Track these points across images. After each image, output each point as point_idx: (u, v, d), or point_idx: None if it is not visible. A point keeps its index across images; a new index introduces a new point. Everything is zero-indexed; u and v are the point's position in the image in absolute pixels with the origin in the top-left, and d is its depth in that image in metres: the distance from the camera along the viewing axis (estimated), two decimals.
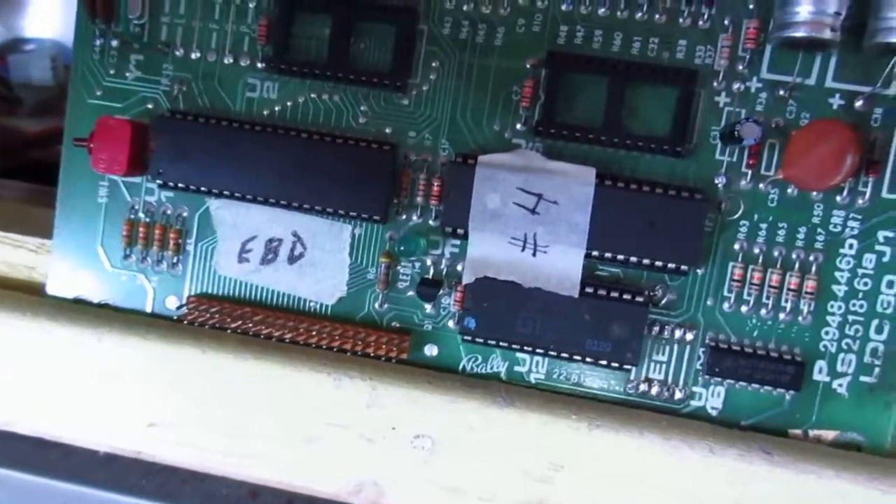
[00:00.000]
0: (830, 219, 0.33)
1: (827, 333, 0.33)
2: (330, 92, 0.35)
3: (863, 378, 0.33)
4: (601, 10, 0.33)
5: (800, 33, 0.30)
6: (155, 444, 0.35)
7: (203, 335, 0.35)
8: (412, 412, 0.33)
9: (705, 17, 0.32)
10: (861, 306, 0.33)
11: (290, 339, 0.35)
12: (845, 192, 0.32)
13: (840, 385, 0.33)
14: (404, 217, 0.35)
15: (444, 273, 0.35)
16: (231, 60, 0.35)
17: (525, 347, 0.33)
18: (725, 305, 0.33)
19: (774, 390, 0.33)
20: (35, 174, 0.53)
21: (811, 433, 0.33)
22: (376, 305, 0.35)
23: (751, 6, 0.32)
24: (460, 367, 0.35)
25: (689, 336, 0.34)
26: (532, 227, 0.33)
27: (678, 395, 0.34)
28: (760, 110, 0.33)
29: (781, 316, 0.33)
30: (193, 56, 0.36)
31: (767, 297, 0.33)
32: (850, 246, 0.33)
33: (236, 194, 0.35)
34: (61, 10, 0.68)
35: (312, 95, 0.35)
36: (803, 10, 0.30)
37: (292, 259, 0.36)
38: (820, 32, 0.30)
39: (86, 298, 0.37)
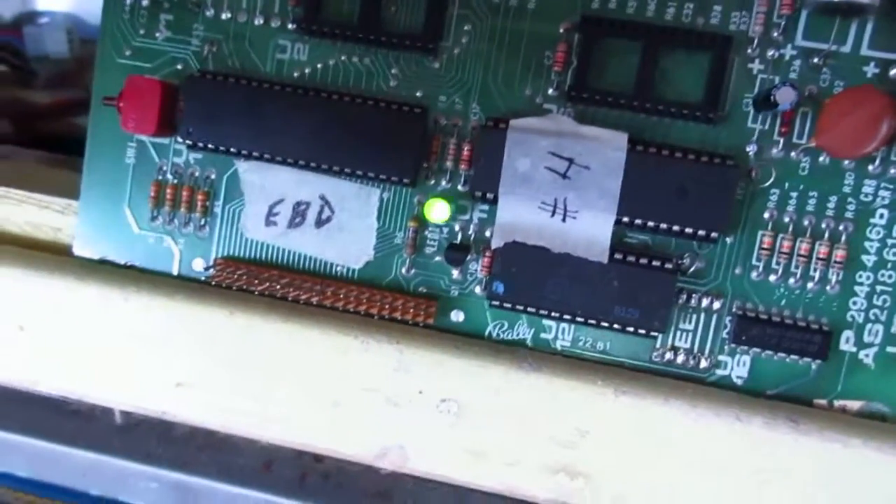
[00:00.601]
0: (861, 188, 0.32)
1: (855, 303, 0.33)
2: (361, 55, 0.35)
3: (889, 349, 0.33)
4: None
5: None
6: (181, 404, 0.36)
7: (230, 297, 0.35)
8: (439, 376, 0.34)
9: None
10: (890, 277, 0.33)
11: (317, 303, 0.35)
12: (877, 162, 0.32)
13: (867, 355, 0.33)
14: (433, 182, 0.35)
15: (471, 239, 0.35)
16: (262, 21, 0.35)
17: (553, 313, 0.33)
18: (754, 274, 0.33)
19: (801, 360, 0.33)
20: (50, 146, 0.53)
21: (836, 403, 0.33)
22: (403, 270, 0.35)
23: None
24: (486, 333, 0.35)
25: (717, 305, 0.34)
26: (562, 192, 0.33)
27: (704, 363, 0.34)
28: (794, 78, 0.32)
29: (810, 285, 0.33)
30: (224, 16, 0.36)
31: (796, 267, 0.33)
32: (881, 216, 0.32)
33: (265, 156, 0.35)
34: None
35: (343, 58, 0.35)
36: None
37: (320, 223, 0.36)
38: None
39: (112, 259, 0.37)
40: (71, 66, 0.67)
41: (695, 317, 0.34)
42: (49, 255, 0.37)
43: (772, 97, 0.30)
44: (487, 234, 0.34)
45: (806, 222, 0.33)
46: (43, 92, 0.68)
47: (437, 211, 0.34)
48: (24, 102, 0.67)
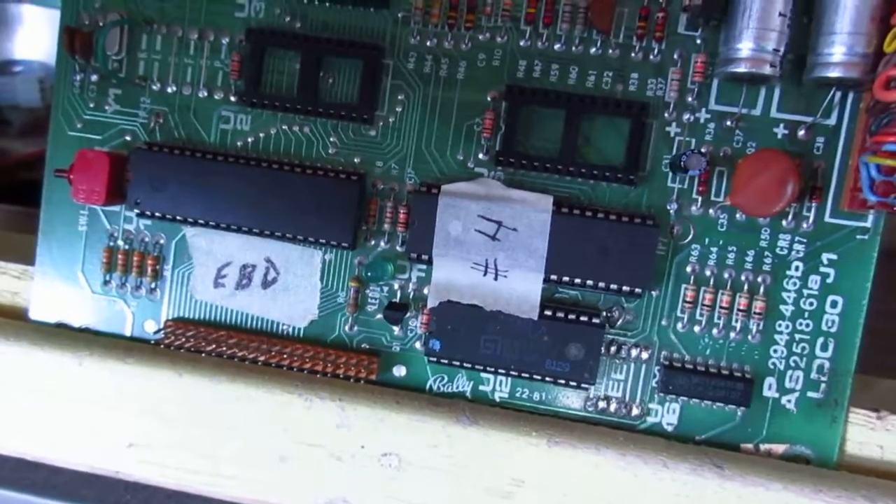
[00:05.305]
0: (777, 242, 0.34)
1: (775, 351, 0.35)
2: (300, 124, 0.36)
3: (810, 394, 0.34)
4: (557, 46, 0.35)
5: (741, 69, 0.32)
6: (133, 464, 0.37)
7: (180, 359, 0.36)
8: (380, 431, 0.35)
9: (656, 51, 0.34)
10: (807, 325, 0.34)
11: (263, 362, 0.37)
12: (790, 217, 0.34)
13: (789, 401, 0.35)
14: (372, 243, 0.36)
15: (410, 296, 0.36)
16: (205, 94, 0.37)
17: (488, 368, 0.35)
18: (679, 325, 0.35)
19: (726, 406, 0.34)
20: (24, 195, 0.54)
21: (762, 447, 0.35)
22: (346, 328, 0.37)
23: (698, 41, 0.34)
24: (427, 386, 0.37)
25: (645, 355, 0.35)
26: (493, 252, 0.34)
27: (635, 411, 0.35)
28: (709, 140, 0.34)
29: (732, 335, 0.35)
30: (169, 90, 0.37)
31: (718, 318, 0.35)
32: (796, 268, 0.34)
33: (211, 223, 0.36)
34: (49, 33, 0.69)
35: (284, 127, 0.37)
36: (744, 47, 0.31)
37: (266, 284, 0.37)
38: (760, 68, 0.31)
39: (67, 323, 0.39)
40: (43, 115, 0.68)
41: (625, 367, 0.35)
42: (5, 319, 0.39)
43: (682, 163, 0.32)
44: (426, 291, 0.36)
45: (726, 275, 0.35)
46: (16, 140, 0.70)
47: None
48: None
